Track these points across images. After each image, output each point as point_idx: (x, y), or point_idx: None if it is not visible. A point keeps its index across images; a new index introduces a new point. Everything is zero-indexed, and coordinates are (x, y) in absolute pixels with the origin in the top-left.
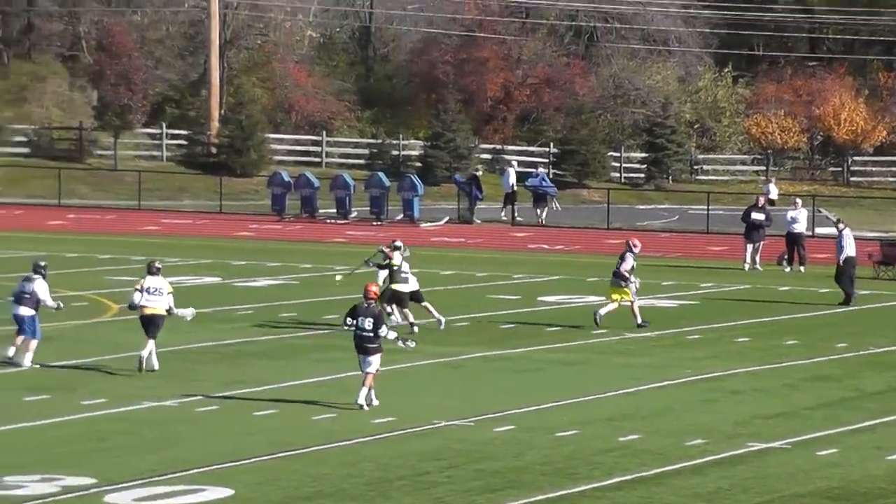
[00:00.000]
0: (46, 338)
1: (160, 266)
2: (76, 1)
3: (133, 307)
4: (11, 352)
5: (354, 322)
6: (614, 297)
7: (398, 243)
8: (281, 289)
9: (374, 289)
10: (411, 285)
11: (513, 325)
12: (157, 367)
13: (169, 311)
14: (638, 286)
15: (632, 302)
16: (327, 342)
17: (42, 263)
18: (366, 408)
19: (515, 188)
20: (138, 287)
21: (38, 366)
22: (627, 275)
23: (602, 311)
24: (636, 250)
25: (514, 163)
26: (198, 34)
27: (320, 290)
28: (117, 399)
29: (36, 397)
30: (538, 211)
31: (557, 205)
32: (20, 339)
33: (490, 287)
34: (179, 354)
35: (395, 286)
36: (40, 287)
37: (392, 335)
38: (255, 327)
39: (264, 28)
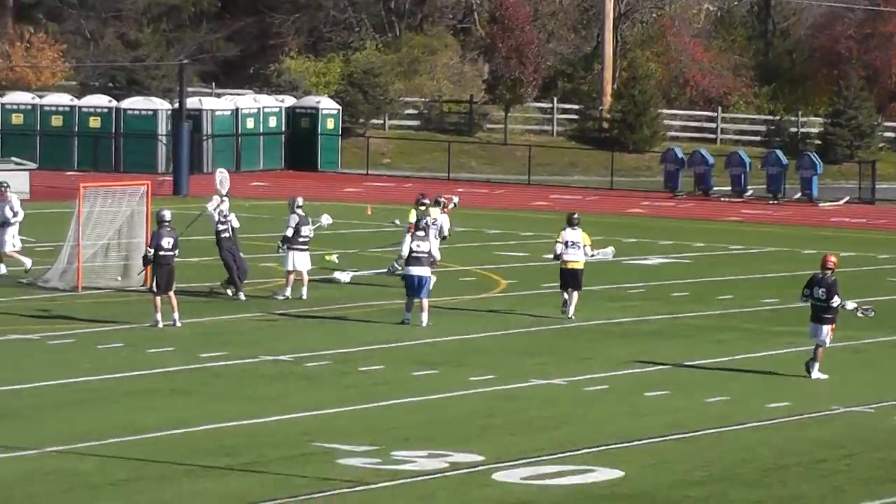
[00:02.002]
0: (436, 311)
1: (580, 218)
2: None
3: (556, 258)
4: (409, 315)
5: (810, 292)
6: None
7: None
8: (673, 267)
9: (832, 259)
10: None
11: None
12: (573, 315)
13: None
14: None
15: None
16: (721, 323)
17: (425, 221)
18: (820, 375)
19: None
20: (559, 240)
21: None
22: None
23: None
24: None
25: None
26: (591, 7)
27: (714, 270)
28: (506, 376)
29: (425, 372)
30: None
31: None
32: (414, 300)
33: (892, 270)
34: (569, 332)
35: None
36: (434, 244)
37: (850, 305)
38: (646, 306)
39: (660, 1)
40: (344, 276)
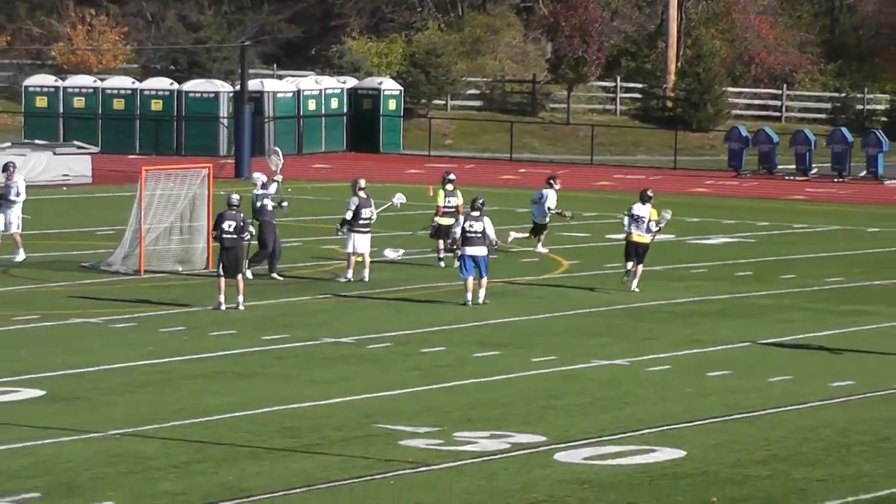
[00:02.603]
0: (497, 293)
1: (652, 195)
2: None
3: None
4: (470, 297)
5: None
6: None
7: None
8: (737, 247)
9: None
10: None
11: None
12: (635, 288)
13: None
14: None
15: None
16: (786, 302)
17: (481, 201)
18: None
19: None
20: (627, 213)
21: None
22: None
23: None
24: None
25: None
26: None
27: (777, 249)
28: (568, 357)
29: (487, 353)
30: None
31: None
32: (471, 280)
33: None
34: (631, 312)
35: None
36: (488, 225)
37: None
38: (709, 285)
39: None
40: (393, 253)
